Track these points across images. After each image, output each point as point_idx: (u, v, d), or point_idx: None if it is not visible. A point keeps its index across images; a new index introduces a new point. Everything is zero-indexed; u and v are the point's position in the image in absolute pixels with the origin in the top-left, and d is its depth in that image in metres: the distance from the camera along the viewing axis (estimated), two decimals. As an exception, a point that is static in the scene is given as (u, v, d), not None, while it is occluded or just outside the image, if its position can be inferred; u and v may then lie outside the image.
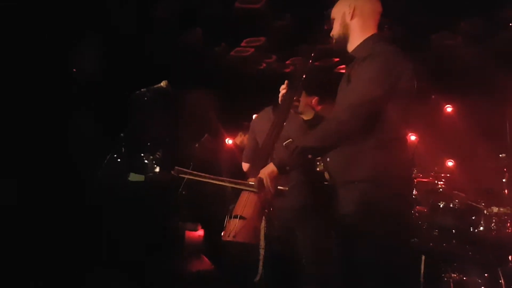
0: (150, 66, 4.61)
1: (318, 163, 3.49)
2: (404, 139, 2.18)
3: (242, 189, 2.19)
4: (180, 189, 4.44)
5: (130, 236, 3.69)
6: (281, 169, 2.08)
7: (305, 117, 2.42)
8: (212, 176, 2.29)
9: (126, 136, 3.36)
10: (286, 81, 2.38)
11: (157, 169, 4.17)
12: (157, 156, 4.15)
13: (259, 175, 2.09)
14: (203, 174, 2.28)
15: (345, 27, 2.25)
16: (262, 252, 3.27)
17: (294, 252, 3.13)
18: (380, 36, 2.27)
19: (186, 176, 2.30)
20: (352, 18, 2.23)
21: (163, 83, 3.06)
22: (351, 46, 2.26)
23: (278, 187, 2.09)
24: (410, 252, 3.10)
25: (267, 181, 2.06)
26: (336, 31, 2.29)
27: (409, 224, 3.26)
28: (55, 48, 4.20)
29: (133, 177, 3.95)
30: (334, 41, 2.31)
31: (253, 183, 2.10)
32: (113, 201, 3.69)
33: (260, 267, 3.38)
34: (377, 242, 2.01)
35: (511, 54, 4.65)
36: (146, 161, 4.14)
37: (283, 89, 2.36)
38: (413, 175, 3.75)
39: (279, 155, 2.19)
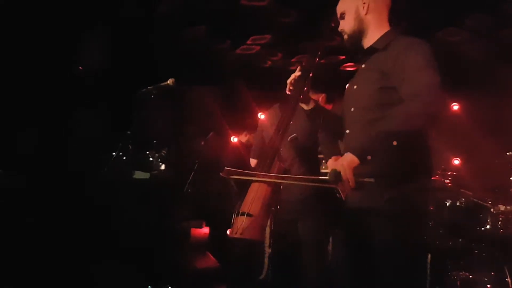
0: (156, 64, 4.61)
1: (323, 161, 3.49)
2: (427, 135, 2.09)
3: (315, 186, 2.09)
4: (185, 187, 4.45)
5: (136, 233, 3.70)
6: (362, 158, 1.83)
7: (306, 107, 2.37)
8: (267, 174, 2.12)
9: (132, 134, 3.37)
10: (299, 67, 2.31)
11: (163, 167, 4.17)
12: (163, 153, 4.14)
13: (334, 167, 1.82)
14: (256, 172, 2.14)
15: (360, 22, 2.20)
16: (268, 249, 3.27)
17: (297, 246, 3.11)
18: (399, 30, 2.23)
19: (238, 177, 2.14)
20: (367, 13, 2.19)
21: (169, 81, 3.07)
22: (367, 41, 2.21)
23: (360, 179, 1.81)
24: (424, 248, 3.07)
25: (345, 173, 1.80)
26: (349, 26, 2.23)
27: (427, 220, 3.24)
28: (61, 45, 4.21)
29: (139, 174, 3.95)
30: (346, 36, 2.26)
31: (326, 178, 1.83)
32: (119, 199, 3.70)
33: (266, 265, 3.38)
34: (394, 237, 1.97)
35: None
36: (151, 158, 4.13)
37: (297, 72, 2.28)
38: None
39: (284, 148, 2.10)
